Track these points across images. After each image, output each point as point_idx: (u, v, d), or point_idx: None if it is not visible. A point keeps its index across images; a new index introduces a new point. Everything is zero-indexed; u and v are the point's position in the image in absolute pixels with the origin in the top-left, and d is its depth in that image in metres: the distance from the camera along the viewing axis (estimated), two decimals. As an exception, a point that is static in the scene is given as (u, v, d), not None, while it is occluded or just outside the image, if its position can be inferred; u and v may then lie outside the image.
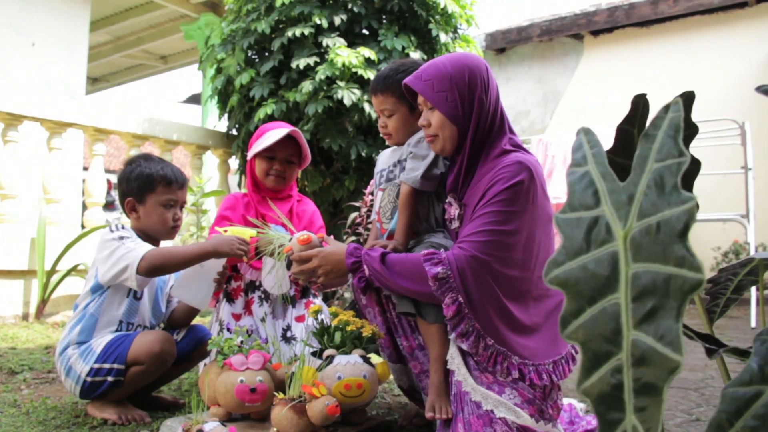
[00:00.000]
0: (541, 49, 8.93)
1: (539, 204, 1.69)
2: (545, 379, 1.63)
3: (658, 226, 0.46)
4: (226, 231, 2.07)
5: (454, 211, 1.80)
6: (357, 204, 3.72)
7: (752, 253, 4.93)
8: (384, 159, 2.06)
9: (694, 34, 7.62)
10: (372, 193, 3.38)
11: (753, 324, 4.49)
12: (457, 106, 1.71)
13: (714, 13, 7.48)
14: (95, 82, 10.88)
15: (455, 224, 1.80)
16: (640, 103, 0.80)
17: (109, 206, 8.66)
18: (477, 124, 1.73)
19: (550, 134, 7.12)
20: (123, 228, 2.09)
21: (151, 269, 1.97)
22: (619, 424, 0.45)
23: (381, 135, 2.01)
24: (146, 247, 2.01)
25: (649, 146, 0.49)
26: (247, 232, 2.07)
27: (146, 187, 2.12)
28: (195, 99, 12.68)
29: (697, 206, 0.48)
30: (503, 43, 9.01)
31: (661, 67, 7.76)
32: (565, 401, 1.94)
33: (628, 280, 0.47)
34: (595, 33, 8.40)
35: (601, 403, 0.46)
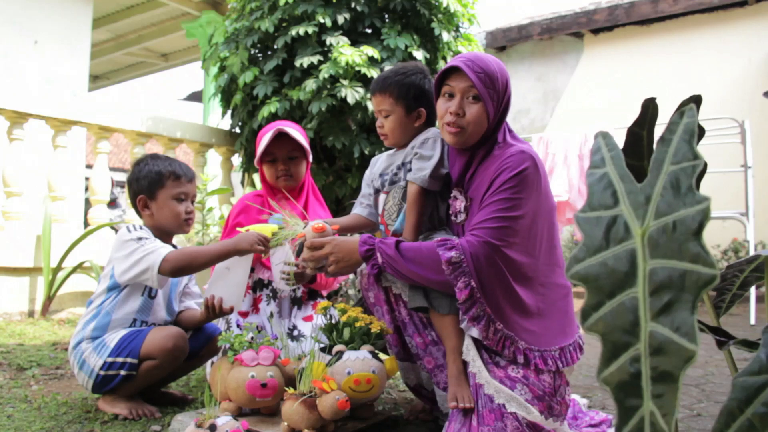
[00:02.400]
0: (541, 48, 8.96)
1: (543, 192, 1.75)
2: (551, 364, 1.67)
3: (674, 225, 0.49)
4: (247, 230, 2.10)
5: (459, 204, 1.84)
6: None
7: (751, 250, 4.96)
8: (381, 163, 2.08)
9: (694, 32, 7.65)
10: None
11: (752, 321, 4.53)
12: (496, 107, 1.78)
13: (714, 11, 7.51)
14: (96, 79, 10.89)
15: (461, 217, 1.84)
16: (649, 107, 0.83)
17: (110, 204, 8.68)
18: (499, 129, 1.82)
19: (551, 132, 7.14)
20: (141, 228, 2.12)
21: (175, 270, 2.02)
22: (638, 410, 0.48)
23: (379, 135, 2.04)
24: (167, 248, 2.05)
25: (666, 150, 0.52)
26: (268, 229, 2.10)
27: (156, 183, 2.17)
28: (195, 96, 12.69)
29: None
30: (504, 42, 9.04)
31: (662, 66, 7.79)
32: (567, 397, 1.97)
33: (646, 275, 0.50)
34: (596, 31, 8.43)
35: (620, 390, 0.50)
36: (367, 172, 2.15)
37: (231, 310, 2.12)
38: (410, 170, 1.92)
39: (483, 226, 1.69)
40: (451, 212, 1.90)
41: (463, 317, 1.68)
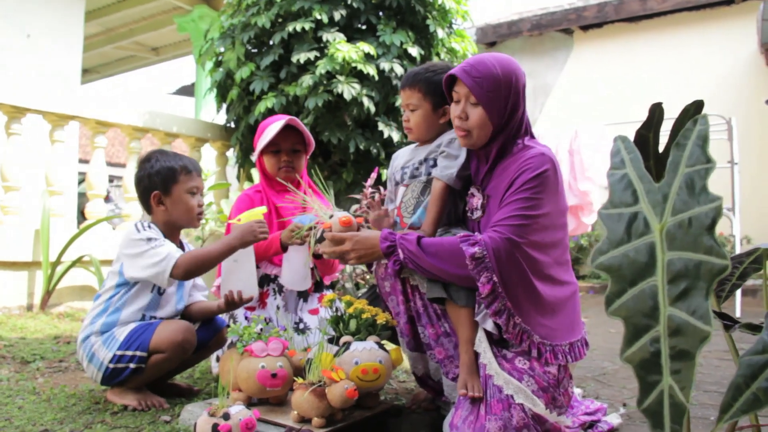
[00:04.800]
0: (531, 44, 9.04)
1: (559, 192, 1.81)
2: (560, 359, 1.74)
3: (690, 221, 0.56)
4: (239, 220, 2.14)
5: (476, 201, 1.90)
6: (358, 197, 3.80)
7: (737, 244, 5.08)
8: (404, 156, 2.13)
9: (682, 30, 7.76)
10: (372, 187, 3.47)
11: (738, 314, 4.64)
12: (500, 108, 1.82)
13: (701, 9, 7.63)
14: (86, 73, 10.80)
15: (477, 214, 1.89)
16: (656, 111, 0.89)
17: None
18: (510, 126, 1.86)
19: (540, 128, 7.23)
20: (149, 227, 2.15)
21: (187, 274, 2.08)
22: (658, 385, 0.55)
23: (404, 129, 2.10)
24: (177, 252, 2.09)
25: (681, 153, 0.58)
26: (258, 212, 2.15)
27: (170, 178, 2.20)
28: (185, 91, 12.66)
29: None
30: (494, 37, 9.12)
31: (650, 63, 7.90)
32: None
33: (664, 265, 0.56)
34: (585, 28, 8.52)
35: (641, 367, 0.56)
36: (390, 169, 2.20)
37: (251, 299, 2.20)
38: (433, 166, 1.98)
39: (505, 223, 1.73)
40: (467, 208, 1.95)
41: (485, 311, 1.74)
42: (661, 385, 0.54)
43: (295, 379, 1.82)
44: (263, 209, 2.15)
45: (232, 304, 2.18)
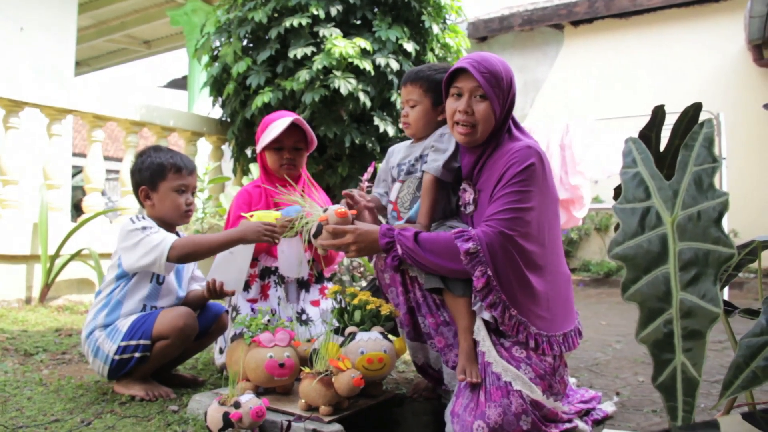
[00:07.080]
0: (522, 39, 9.10)
1: (548, 184, 1.88)
2: (556, 349, 1.80)
3: (699, 214, 0.62)
4: (252, 216, 2.18)
5: (468, 196, 1.96)
6: (355, 191, 3.84)
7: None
8: (400, 152, 2.19)
9: (672, 26, 7.86)
10: (369, 180, 3.52)
11: (726, 305, 4.74)
12: (503, 104, 1.89)
13: (690, 6, 7.72)
14: (77, 66, 10.75)
15: (470, 208, 1.96)
16: (658, 113, 0.95)
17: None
18: (506, 123, 1.93)
19: (531, 122, 7.30)
20: (143, 218, 2.20)
21: (181, 257, 2.10)
22: (671, 362, 0.61)
23: (401, 124, 2.15)
24: (172, 236, 2.13)
25: (689, 154, 0.64)
26: (272, 215, 2.18)
27: (158, 175, 2.24)
28: (176, 84, 12.60)
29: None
30: (485, 32, 9.17)
31: (640, 58, 7.99)
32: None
33: (676, 254, 0.62)
34: (575, 23, 8.59)
35: (655, 347, 0.62)
36: (383, 165, 2.25)
37: (232, 293, 2.23)
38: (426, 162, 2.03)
39: (496, 218, 1.79)
40: (460, 203, 2.02)
41: (480, 303, 1.80)
42: (674, 363, 0.60)
43: (302, 368, 1.87)
44: (277, 214, 2.18)
45: (213, 292, 2.21)
